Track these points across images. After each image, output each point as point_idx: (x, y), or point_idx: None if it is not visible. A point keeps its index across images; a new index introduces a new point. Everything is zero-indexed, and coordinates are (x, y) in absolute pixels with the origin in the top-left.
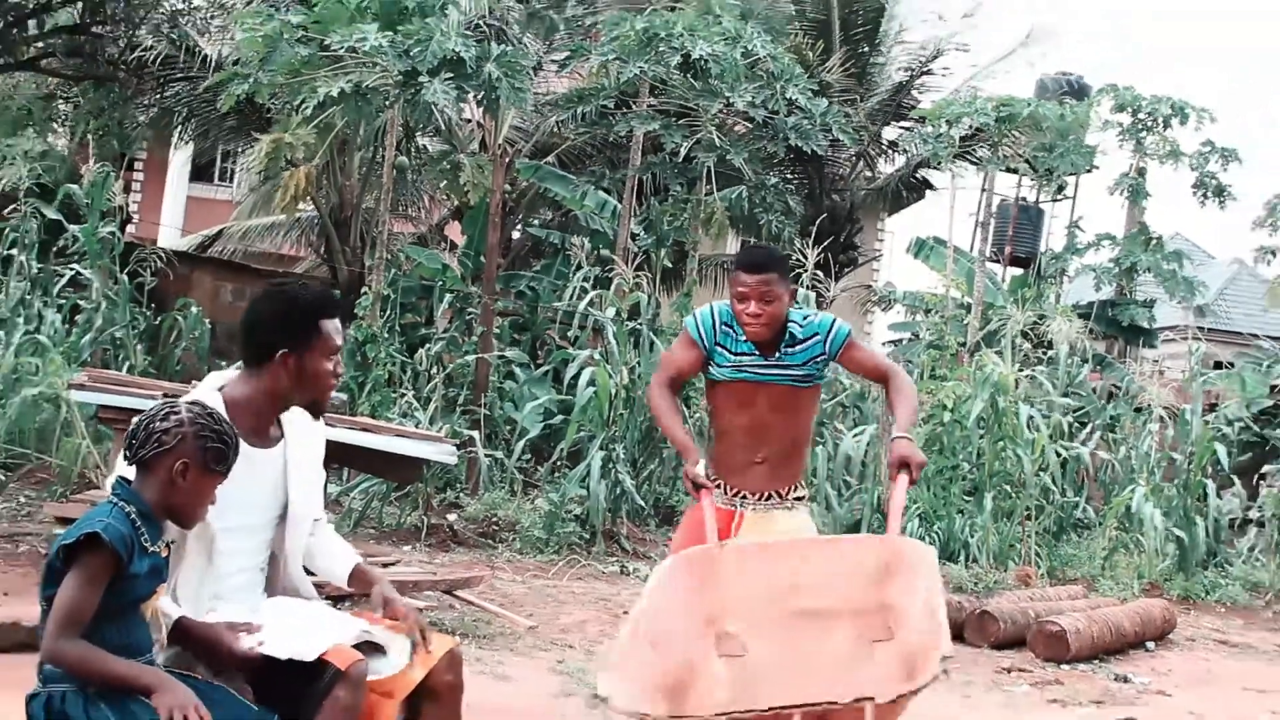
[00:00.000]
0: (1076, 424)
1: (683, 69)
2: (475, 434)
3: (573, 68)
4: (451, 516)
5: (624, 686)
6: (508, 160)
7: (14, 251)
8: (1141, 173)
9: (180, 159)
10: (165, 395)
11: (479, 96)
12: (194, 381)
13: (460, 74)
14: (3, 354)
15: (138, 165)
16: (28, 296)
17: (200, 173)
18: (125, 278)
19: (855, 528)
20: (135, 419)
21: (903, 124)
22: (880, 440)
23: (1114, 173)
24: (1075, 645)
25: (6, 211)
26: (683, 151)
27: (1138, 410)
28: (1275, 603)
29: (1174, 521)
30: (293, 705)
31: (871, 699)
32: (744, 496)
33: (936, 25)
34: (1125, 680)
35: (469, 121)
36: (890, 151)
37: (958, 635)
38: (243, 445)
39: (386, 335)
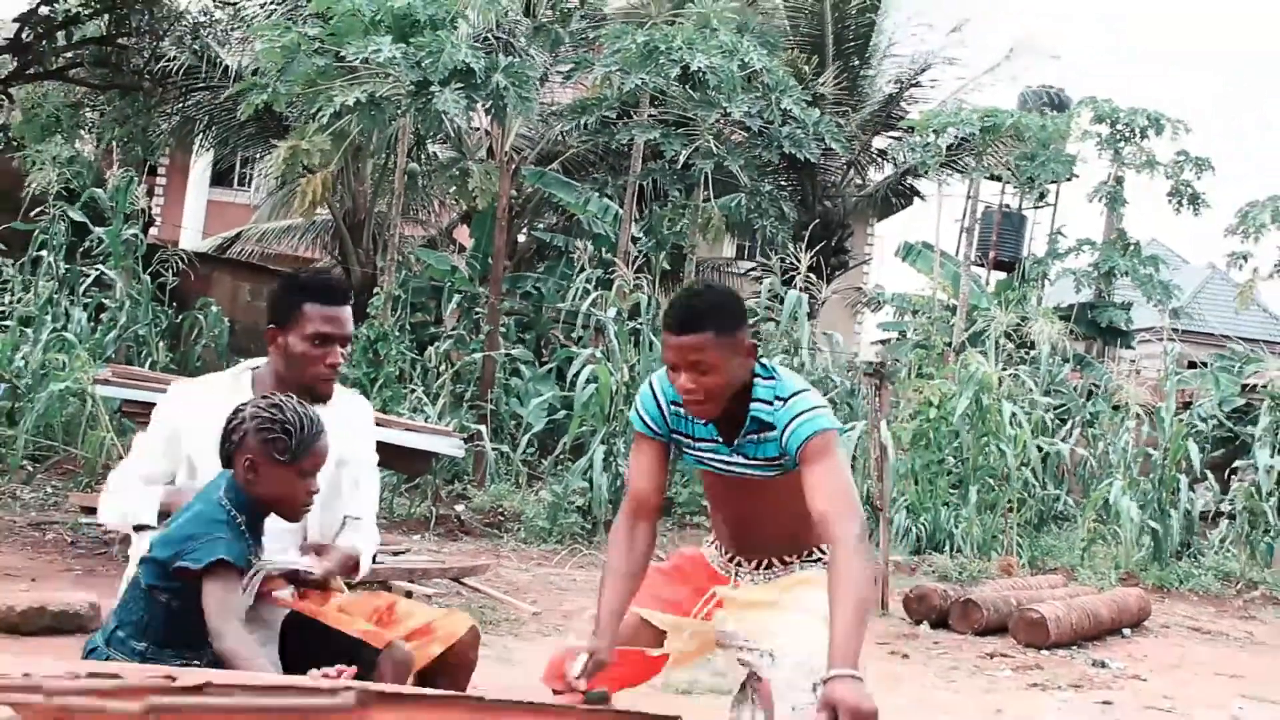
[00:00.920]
0: (1057, 421)
1: (682, 80)
2: (482, 428)
3: (577, 79)
4: (459, 507)
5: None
6: (514, 167)
7: (43, 253)
8: (1119, 181)
9: (201, 165)
10: None
11: (487, 105)
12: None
13: (469, 84)
14: (31, 350)
15: (160, 170)
16: (55, 296)
17: (220, 178)
18: (148, 278)
19: None
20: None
21: (892, 134)
22: (869, 436)
23: (1093, 181)
24: (1055, 632)
25: (35, 214)
26: (681, 159)
27: (1115, 408)
28: (1246, 591)
29: (1149, 514)
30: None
31: None
32: (740, 564)
33: (925, 40)
34: (1102, 665)
35: (477, 130)
36: (880, 160)
37: (943, 622)
38: None
39: (397, 334)
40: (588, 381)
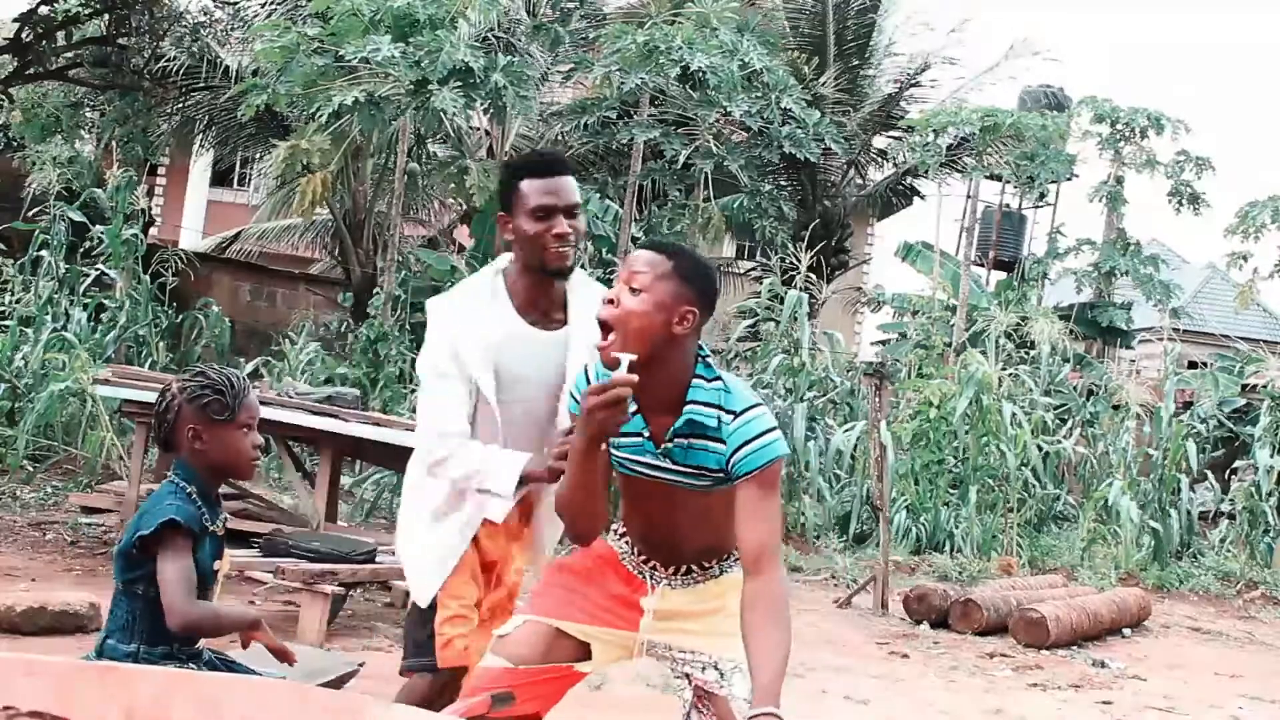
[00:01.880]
0: (1057, 420)
1: (682, 80)
2: None
3: (576, 78)
4: None
5: None
6: None
7: (43, 253)
8: (1120, 181)
9: (201, 165)
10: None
11: (486, 105)
12: None
13: (469, 83)
14: (31, 350)
15: (160, 171)
16: (55, 296)
17: (220, 178)
18: (148, 278)
19: (845, 520)
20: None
21: (892, 133)
22: (869, 436)
23: (1093, 180)
24: (1055, 632)
25: (35, 214)
26: (681, 159)
27: (1115, 408)
28: (1246, 591)
29: (1149, 514)
30: None
31: None
32: (655, 567)
33: (925, 40)
34: (1102, 665)
35: (477, 129)
36: (880, 160)
37: (943, 622)
38: (519, 322)
39: (397, 334)
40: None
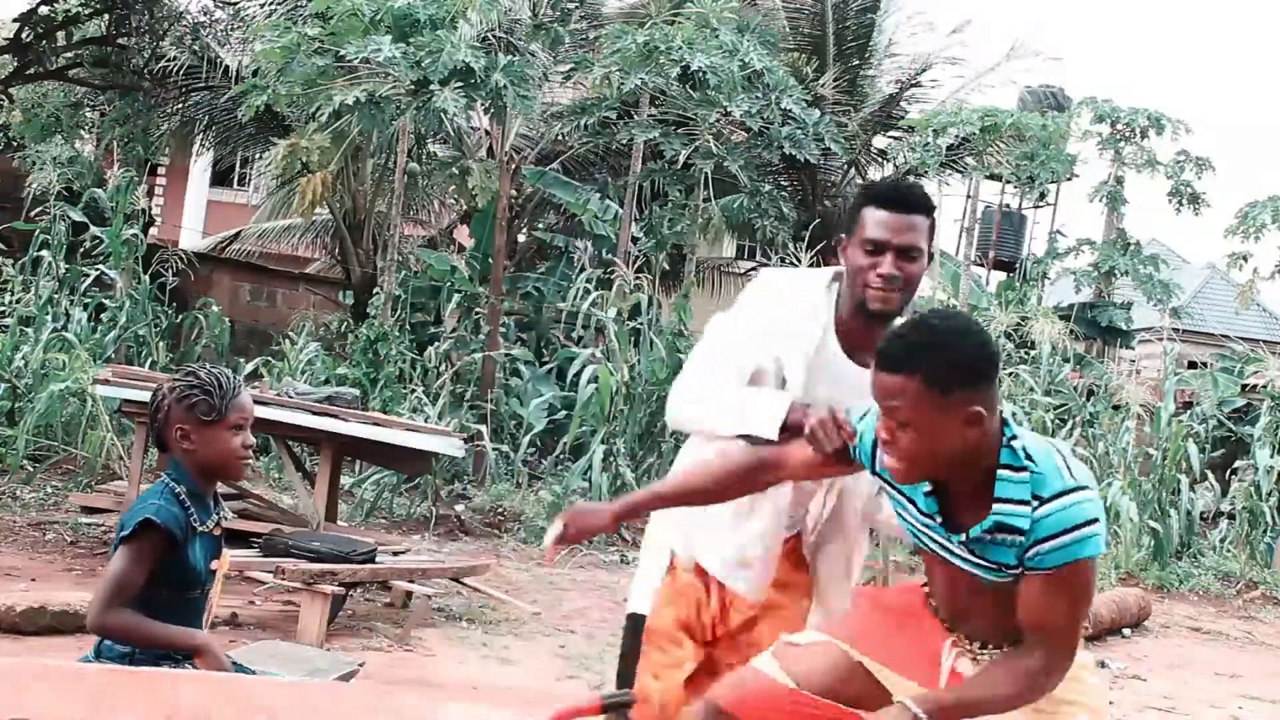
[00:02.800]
0: (1057, 420)
1: (682, 80)
2: (482, 428)
3: (577, 78)
4: (459, 507)
5: None
6: (514, 167)
7: (43, 252)
8: (1120, 181)
9: (201, 165)
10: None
11: (487, 105)
12: None
13: (469, 83)
14: (31, 350)
15: (160, 170)
16: (55, 296)
17: (220, 178)
18: (148, 278)
19: None
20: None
21: (892, 134)
22: None
23: (1093, 180)
24: None
25: (35, 214)
26: (681, 159)
27: (1115, 408)
28: (1246, 592)
29: (1149, 514)
30: None
31: None
32: (958, 637)
33: (925, 40)
34: (1102, 665)
35: (477, 129)
36: (880, 160)
37: None
38: (836, 344)
39: (397, 334)
40: (588, 382)
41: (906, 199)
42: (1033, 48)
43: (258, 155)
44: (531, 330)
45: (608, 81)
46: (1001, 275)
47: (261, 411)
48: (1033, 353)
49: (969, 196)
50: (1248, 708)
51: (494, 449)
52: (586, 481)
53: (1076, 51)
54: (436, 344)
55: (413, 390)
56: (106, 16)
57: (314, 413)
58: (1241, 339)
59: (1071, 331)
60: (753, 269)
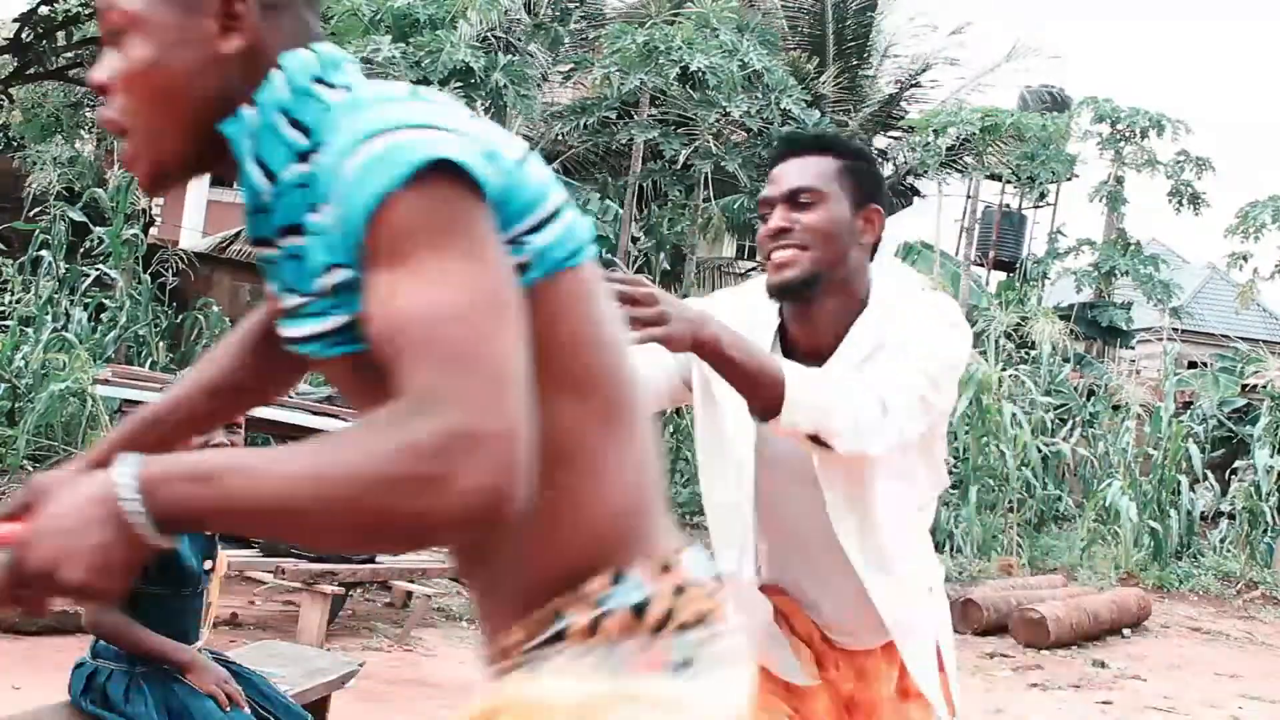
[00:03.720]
0: (1057, 421)
1: (682, 80)
2: None
3: (577, 78)
4: None
5: None
6: None
7: (43, 252)
8: (1120, 181)
9: None
10: None
11: (487, 105)
12: None
13: (469, 83)
14: (31, 350)
15: None
16: (55, 296)
17: (220, 178)
18: (148, 278)
19: None
20: None
21: (892, 134)
22: None
23: (1093, 180)
24: (1055, 632)
25: (36, 214)
26: (681, 159)
27: (1116, 408)
28: (1245, 592)
29: (1149, 514)
30: None
31: None
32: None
33: (925, 40)
34: (1102, 665)
35: None
36: (880, 160)
37: None
38: (772, 347)
39: None
40: None
41: (793, 143)
42: (1033, 48)
43: None
44: None
45: (608, 81)
46: (1001, 275)
47: (261, 411)
48: (1033, 353)
49: (969, 196)
50: (1248, 708)
51: None
52: None
53: (1076, 51)
54: None
55: None
56: None
57: (314, 412)
58: (1241, 339)
59: (1071, 331)
60: (753, 269)
